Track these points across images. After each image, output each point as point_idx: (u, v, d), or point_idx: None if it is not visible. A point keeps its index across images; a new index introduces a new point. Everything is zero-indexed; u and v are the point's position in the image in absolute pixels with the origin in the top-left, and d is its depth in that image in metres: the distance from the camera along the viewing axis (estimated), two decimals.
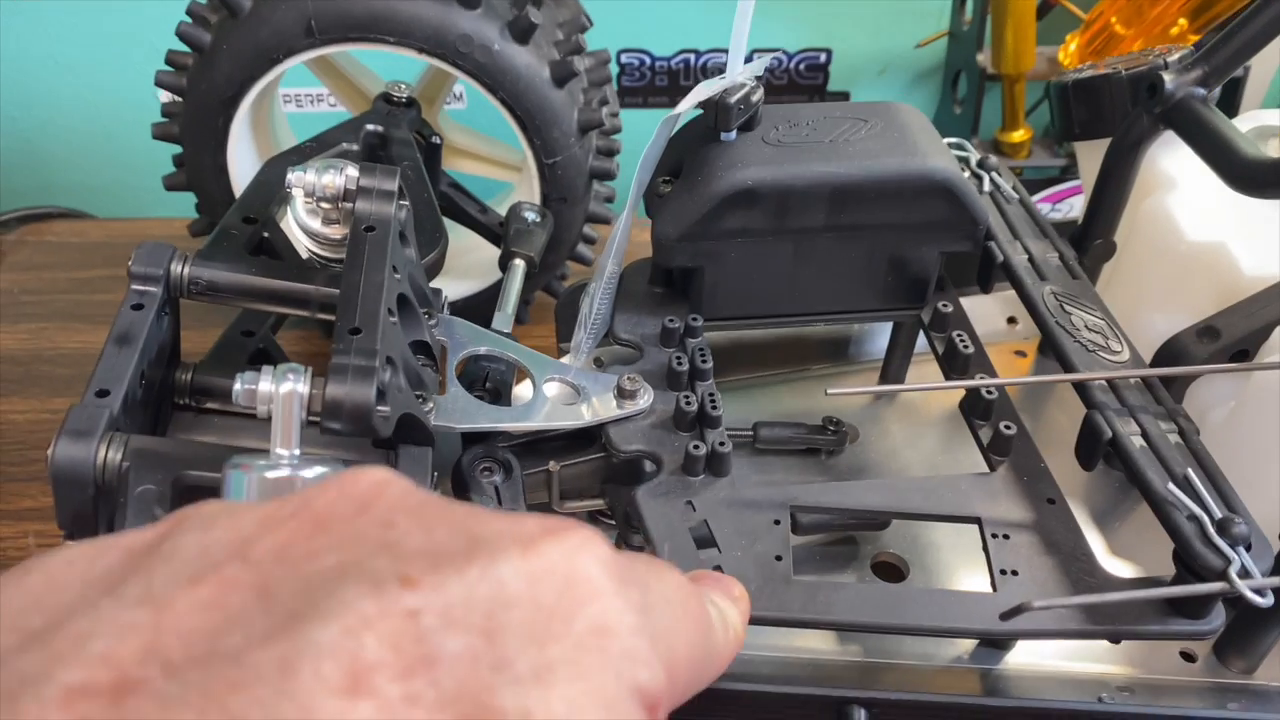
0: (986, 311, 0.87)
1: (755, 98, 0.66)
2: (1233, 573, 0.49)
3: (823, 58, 1.17)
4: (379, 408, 0.49)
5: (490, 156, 0.96)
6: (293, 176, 0.61)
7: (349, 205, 0.62)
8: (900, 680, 0.61)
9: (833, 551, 0.70)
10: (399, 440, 0.56)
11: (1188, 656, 0.64)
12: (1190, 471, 0.55)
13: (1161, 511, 0.54)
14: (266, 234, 0.68)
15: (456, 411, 0.59)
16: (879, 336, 0.83)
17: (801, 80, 1.20)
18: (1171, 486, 0.54)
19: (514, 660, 0.28)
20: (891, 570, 0.69)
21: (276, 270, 0.64)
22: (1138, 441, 0.57)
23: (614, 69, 1.26)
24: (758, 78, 0.66)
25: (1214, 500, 0.53)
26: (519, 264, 0.79)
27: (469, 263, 0.96)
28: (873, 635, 0.62)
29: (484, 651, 0.28)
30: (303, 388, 0.48)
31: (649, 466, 0.63)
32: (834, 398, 0.79)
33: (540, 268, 0.88)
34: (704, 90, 0.63)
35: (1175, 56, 0.72)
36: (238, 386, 0.48)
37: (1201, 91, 0.68)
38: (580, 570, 0.32)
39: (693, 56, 1.21)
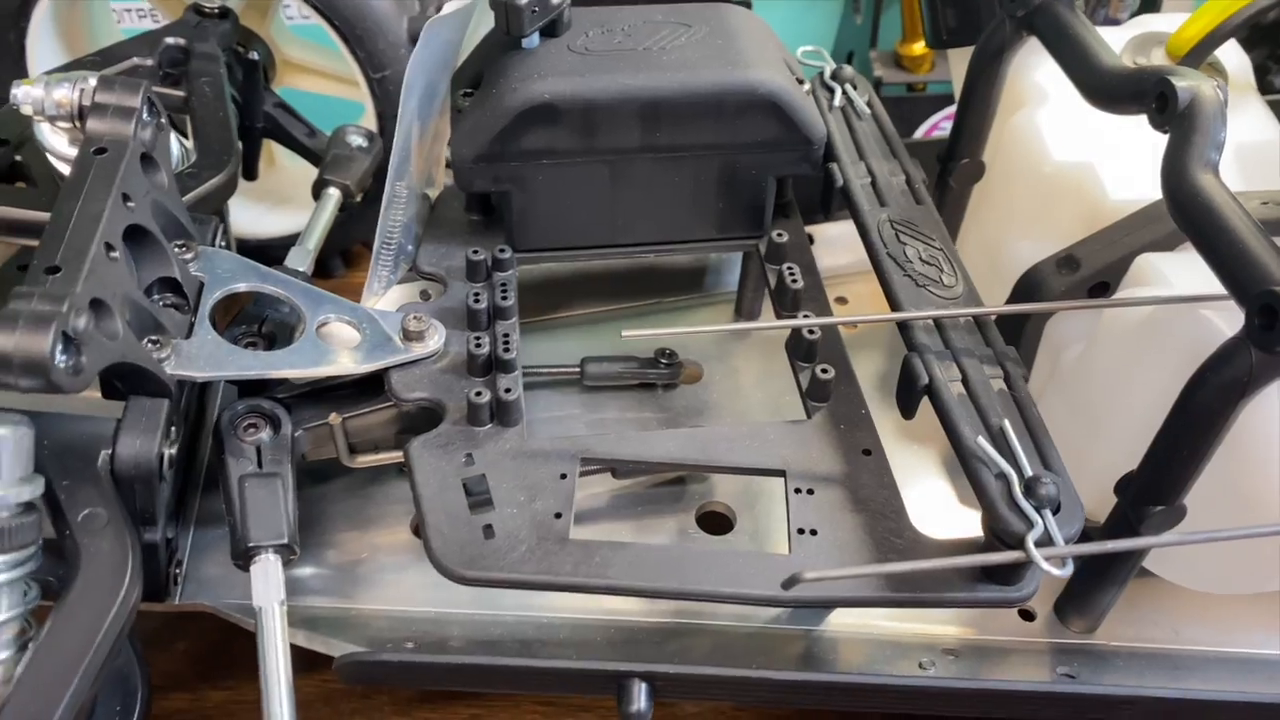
0: None
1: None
2: (1030, 540, 0.44)
3: None
4: (63, 359, 0.43)
5: (332, 72, 0.88)
6: (19, 91, 0.54)
7: None
8: (706, 645, 0.56)
9: (660, 494, 0.65)
10: (129, 391, 0.50)
11: (1026, 615, 0.60)
12: (1007, 423, 0.49)
13: (969, 467, 0.48)
14: (20, 158, 0.61)
15: (201, 358, 0.53)
16: (737, 266, 0.77)
17: None
18: (981, 440, 0.48)
19: None
20: (719, 520, 0.64)
21: (15, 198, 0.57)
22: (956, 389, 0.51)
23: None
24: None
25: (1028, 456, 0.48)
26: (332, 193, 0.72)
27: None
28: None
29: None
30: None
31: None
32: (686, 333, 0.74)
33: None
34: None
35: None
36: None
37: None
38: None
39: None
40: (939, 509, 0.63)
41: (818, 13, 1.07)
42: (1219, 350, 0.45)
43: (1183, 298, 0.52)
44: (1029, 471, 0.47)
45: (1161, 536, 0.48)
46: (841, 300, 0.77)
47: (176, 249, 0.56)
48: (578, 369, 0.68)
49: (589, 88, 0.57)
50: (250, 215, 0.90)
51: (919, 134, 1.00)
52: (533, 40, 0.59)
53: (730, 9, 0.63)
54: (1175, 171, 0.49)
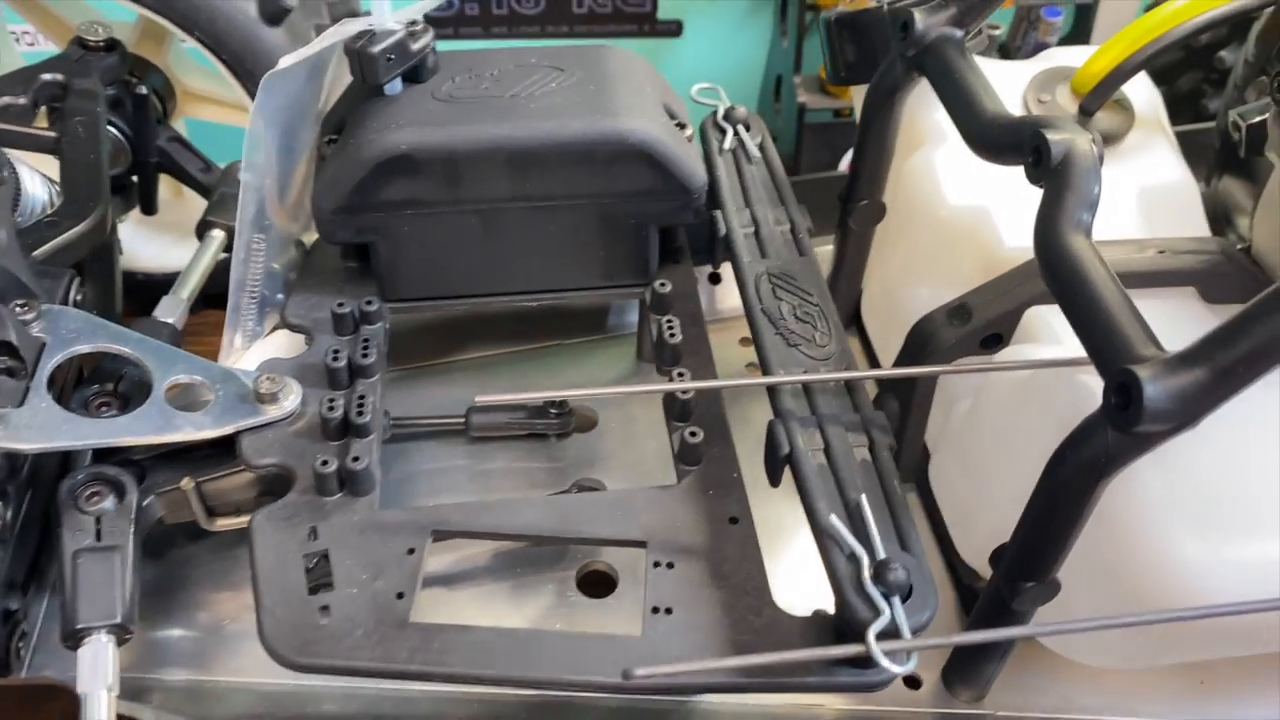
0: None
1: (417, 45, 0.56)
2: (872, 632, 0.42)
3: None
4: None
5: (237, 103, 0.85)
6: None
7: None
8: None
9: (542, 553, 0.62)
10: None
11: (912, 683, 0.58)
12: (864, 499, 0.47)
13: (821, 546, 0.46)
14: None
15: (33, 428, 0.50)
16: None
17: (627, 7, 1.08)
18: (834, 519, 0.46)
19: None
20: (602, 580, 0.62)
21: None
22: (817, 459, 0.49)
23: None
24: (421, 21, 0.56)
25: (884, 536, 0.45)
26: (216, 235, 0.69)
27: None
28: None
29: None
30: None
31: None
32: (582, 376, 0.72)
33: None
34: (332, 36, 0.53)
35: None
36: None
37: (957, 33, 0.59)
38: None
39: None
40: (817, 569, 0.61)
41: (748, 37, 1.05)
42: (1077, 429, 0.43)
43: (1057, 361, 0.49)
44: (881, 554, 0.45)
45: (1001, 631, 0.46)
46: (746, 341, 0.75)
47: (17, 308, 0.54)
48: (463, 419, 0.66)
49: (450, 138, 0.55)
50: (154, 249, 0.88)
51: (845, 162, 0.98)
52: (395, 86, 0.57)
53: (609, 51, 0.61)
54: (1046, 231, 0.47)
